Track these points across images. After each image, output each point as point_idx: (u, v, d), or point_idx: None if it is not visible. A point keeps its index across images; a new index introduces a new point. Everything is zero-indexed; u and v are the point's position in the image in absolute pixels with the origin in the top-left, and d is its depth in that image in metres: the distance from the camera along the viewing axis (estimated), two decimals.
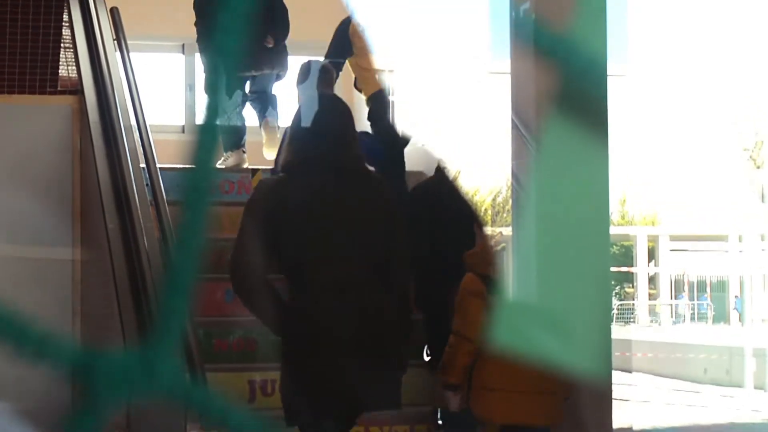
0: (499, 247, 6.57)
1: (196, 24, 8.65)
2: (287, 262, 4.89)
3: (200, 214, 0.94)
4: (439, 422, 6.42)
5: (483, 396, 5.60)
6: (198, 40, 8.72)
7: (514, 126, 6.86)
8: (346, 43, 8.29)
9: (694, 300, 39.95)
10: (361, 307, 4.83)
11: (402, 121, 7.22)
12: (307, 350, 4.79)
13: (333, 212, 4.92)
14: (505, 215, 35.01)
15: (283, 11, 8.69)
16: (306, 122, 5.16)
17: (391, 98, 8.44)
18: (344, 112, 5.23)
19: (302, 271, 4.86)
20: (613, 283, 37.20)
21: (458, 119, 40.09)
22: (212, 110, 0.99)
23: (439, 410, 6.35)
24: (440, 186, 6.96)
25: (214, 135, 0.97)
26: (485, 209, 36.09)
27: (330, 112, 5.20)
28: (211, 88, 0.99)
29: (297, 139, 5.10)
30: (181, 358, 4.86)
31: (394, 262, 4.98)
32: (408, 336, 5.09)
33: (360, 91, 8.17)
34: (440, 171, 7.05)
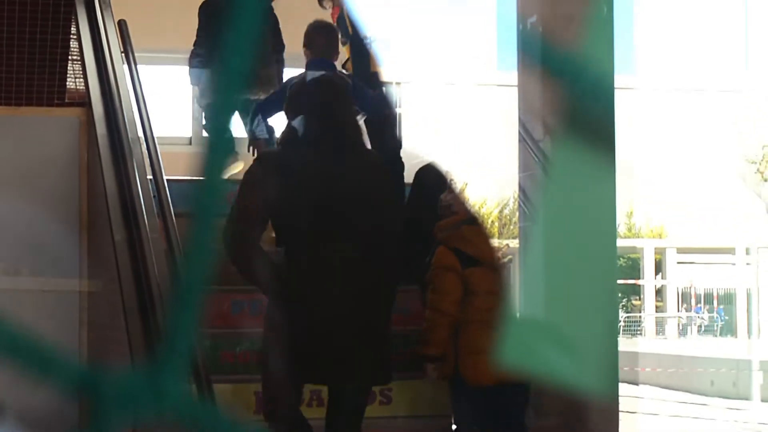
0: (505, 260, 6.57)
1: (200, 32, 8.58)
2: (281, 231, 5.02)
3: (208, 229, 0.94)
4: (453, 427, 6.43)
5: (470, 360, 5.74)
6: (200, 49, 8.60)
7: (522, 138, 6.86)
8: (343, 26, 8.31)
9: (698, 312, 39.91)
10: (352, 278, 4.95)
11: (409, 133, 7.26)
12: (295, 315, 4.91)
13: (328, 184, 5.03)
14: (512, 227, 34.97)
15: (279, 31, 8.68)
16: (303, 100, 5.24)
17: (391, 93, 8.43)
18: (341, 89, 5.39)
19: (296, 241, 4.98)
20: (620, 295, 37.16)
21: (465, 130, 40.07)
22: (221, 122, 0.99)
23: (452, 417, 6.36)
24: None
25: (223, 147, 0.98)
26: (492, 221, 36.06)
27: (327, 89, 5.28)
28: (220, 102, 0.99)
29: (294, 115, 5.19)
30: (188, 371, 4.87)
31: (387, 237, 5.09)
32: (391, 311, 5.19)
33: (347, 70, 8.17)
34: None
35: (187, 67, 8.74)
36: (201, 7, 8.64)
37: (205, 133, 8.80)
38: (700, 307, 39.70)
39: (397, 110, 8.23)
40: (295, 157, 5.05)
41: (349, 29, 8.25)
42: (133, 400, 0.87)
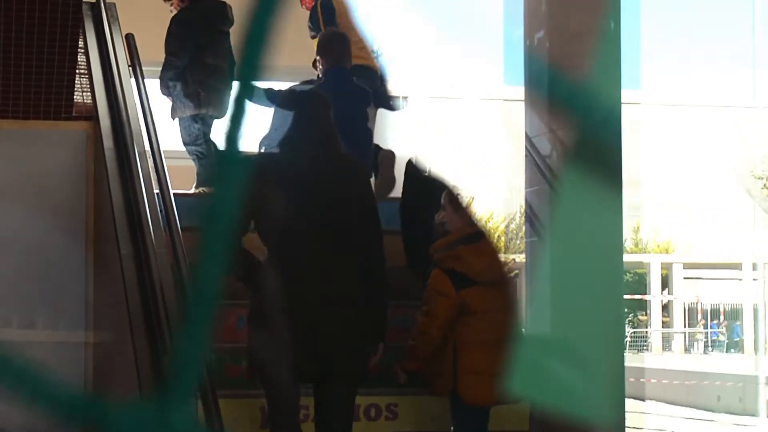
0: (512, 274, 6.55)
1: (175, 44, 8.42)
2: (264, 230, 5.17)
3: (218, 244, 0.94)
4: None
5: (468, 380, 5.78)
6: (179, 61, 8.44)
7: (528, 154, 6.85)
8: (314, 19, 8.31)
9: (707, 328, 39.81)
10: (331, 275, 5.11)
11: (418, 146, 7.32)
12: (276, 309, 5.06)
13: (309, 186, 5.20)
14: (518, 242, 34.95)
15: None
16: (286, 108, 5.37)
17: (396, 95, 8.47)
18: (322, 99, 5.52)
19: (278, 240, 5.16)
20: (626, 310, 37.11)
21: (473, 145, 40.09)
22: (234, 134, 0.99)
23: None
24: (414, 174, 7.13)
25: (237, 160, 0.97)
26: (498, 236, 36.04)
27: (308, 100, 5.50)
28: (233, 114, 0.99)
29: (276, 122, 5.34)
30: (195, 393, 4.87)
31: (367, 238, 5.25)
32: (385, 311, 5.31)
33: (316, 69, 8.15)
34: (411, 165, 7.20)
35: (160, 78, 8.57)
36: (174, 20, 8.53)
37: (186, 147, 8.67)
38: (715, 323, 39.62)
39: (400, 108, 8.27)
40: (275, 158, 5.22)
41: (321, 26, 8.29)
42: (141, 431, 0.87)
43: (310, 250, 5.11)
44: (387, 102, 8.09)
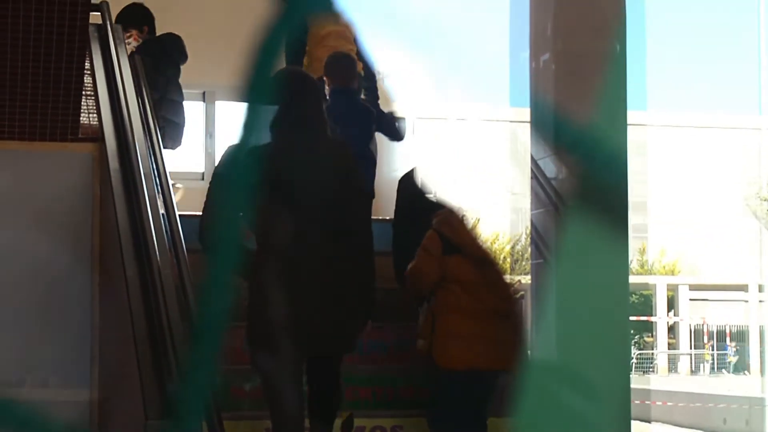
0: (517, 296, 6.57)
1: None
2: (253, 216, 5.18)
3: (225, 266, 0.94)
4: None
5: (444, 343, 5.88)
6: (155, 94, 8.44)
7: (534, 175, 6.86)
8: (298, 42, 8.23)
9: (713, 349, 39.73)
10: (320, 256, 5.20)
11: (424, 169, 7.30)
12: (270, 293, 5.19)
13: (296, 169, 5.27)
14: (523, 264, 34.93)
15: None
16: (274, 92, 5.39)
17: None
18: (311, 81, 5.64)
19: (268, 223, 5.19)
20: (632, 332, 37.06)
21: (478, 166, 40.13)
22: (240, 161, 0.99)
23: None
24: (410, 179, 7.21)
25: (244, 181, 0.98)
26: (504, 257, 36.02)
27: (297, 82, 5.54)
28: (245, 130, 0.99)
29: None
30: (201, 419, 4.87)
31: (353, 219, 5.35)
32: (373, 288, 5.41)
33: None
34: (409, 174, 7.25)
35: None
36: (144, 53, 8.54)
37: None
38: (728, 346, 39.53)
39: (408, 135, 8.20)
40: (270, 147, 5.32)
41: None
42: None
43: (304, 235, 5.19)
44: (389, 129, 7.98)
